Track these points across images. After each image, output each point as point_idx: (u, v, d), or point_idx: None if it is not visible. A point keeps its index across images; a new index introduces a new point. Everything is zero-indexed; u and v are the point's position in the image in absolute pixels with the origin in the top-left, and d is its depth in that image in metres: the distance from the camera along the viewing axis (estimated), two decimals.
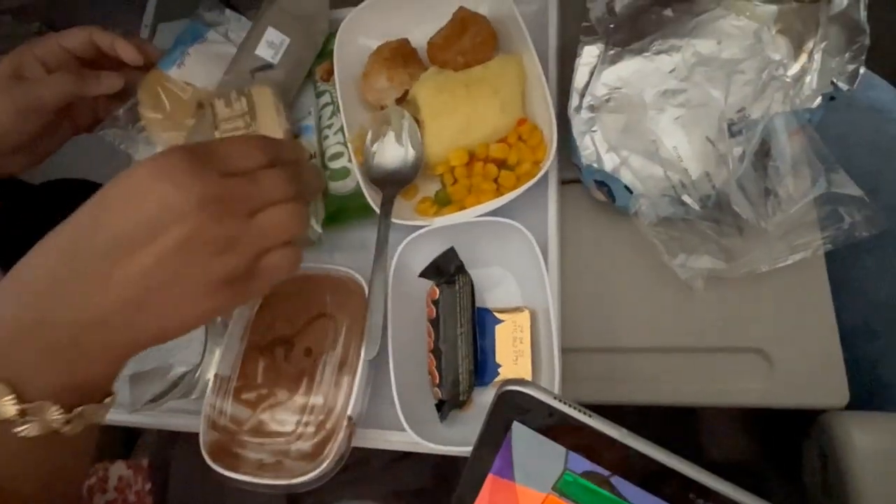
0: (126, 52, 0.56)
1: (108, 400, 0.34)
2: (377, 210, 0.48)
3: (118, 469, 0.56)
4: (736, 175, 0.42)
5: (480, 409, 0.45)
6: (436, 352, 0.46)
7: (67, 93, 0.55)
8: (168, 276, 0.30)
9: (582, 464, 0.29)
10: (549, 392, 0.29)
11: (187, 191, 0.29)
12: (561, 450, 0.29)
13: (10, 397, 0.29)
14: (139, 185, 0.30)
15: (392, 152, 0.49)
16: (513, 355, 0.45)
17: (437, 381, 0.45)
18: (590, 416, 0.29)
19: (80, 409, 0.31)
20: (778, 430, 0.53)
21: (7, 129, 0.54)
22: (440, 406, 0.45)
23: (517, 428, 0.30)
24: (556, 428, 0.29)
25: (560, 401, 0.29)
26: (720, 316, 0.45)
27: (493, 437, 0.31)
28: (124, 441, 0.64)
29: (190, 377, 0.45)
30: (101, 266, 0.29)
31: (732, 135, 0.43)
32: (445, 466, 0.52)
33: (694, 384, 0.45)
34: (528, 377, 0.44)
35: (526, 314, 0.45)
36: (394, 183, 0.49)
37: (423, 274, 0.46)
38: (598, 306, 0.47)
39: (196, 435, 0.45)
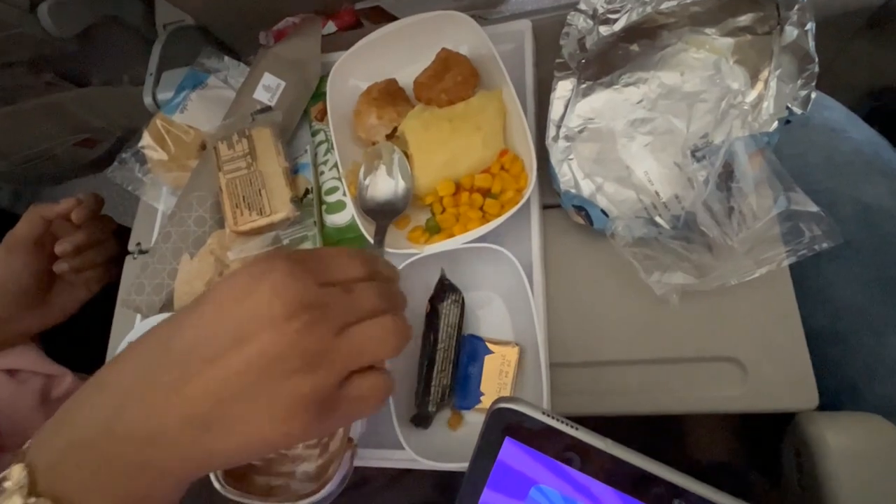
0: (75, 215, 0.60)
1: None
2: (371, 240, 0.48)
3: None
4: (702, 197, 0.43)
5: (473, 427, 0.46)
6: (419, 363, 0.46)
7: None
8: (244, 388, 0.25)
9: (572, 475, 0.29)
10: (537, 408, 0.30)
11: (282, 295, 0.26)
12: (552, 462, 0.30)
13: None
14: (237, 287, 0.27)
15: (384, 185, 0.50)
16: (496, 387, 0.45)
17: (415, 390, 0.45)
18: (577, 428, 0.29)
19: None
20: (757, 431, 0.53)
21: (29, 287, 0.59)
22: (413, 416, 0.45)
23: (509, 443, 0.30)
24: (546, 441, 0.30)
25: (548, 415, 0.29)
26: (695, 328, 0.45)
27: (488, 451, 0.31)
28: None
29: None
30: (175, 374, 0.25)
31: (697, 159, 0.44)
32: (446, 480, 0.52)
33: (674, 393, 0.45)
34: None
35: (515, 350, 0.45)
36: (386, 213, 0.50)
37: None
38: (581, 323, 0.48)
39: None
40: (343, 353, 0.27)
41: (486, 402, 0.45)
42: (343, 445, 0.43)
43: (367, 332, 0.28)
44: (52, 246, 0.59)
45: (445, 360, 0.45)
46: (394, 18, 0.77)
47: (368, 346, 0.28)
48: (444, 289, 0.47)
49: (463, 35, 0.55)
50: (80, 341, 0.65)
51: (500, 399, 0.30)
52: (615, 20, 0.50)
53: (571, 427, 0.29)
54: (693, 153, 0.44)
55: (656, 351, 0.46)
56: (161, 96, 0.66)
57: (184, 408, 0.25)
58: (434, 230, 0.50)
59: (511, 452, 0.30)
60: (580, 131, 0.48)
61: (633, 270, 0.45)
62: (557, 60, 0.50)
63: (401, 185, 0.50)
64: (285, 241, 0.51)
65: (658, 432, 0.60)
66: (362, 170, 0.51)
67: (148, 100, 0.66)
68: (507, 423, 0.30)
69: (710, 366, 0.45)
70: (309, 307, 0.26)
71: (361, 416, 0.31)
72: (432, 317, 0.46)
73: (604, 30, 0.50)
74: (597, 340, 0.47)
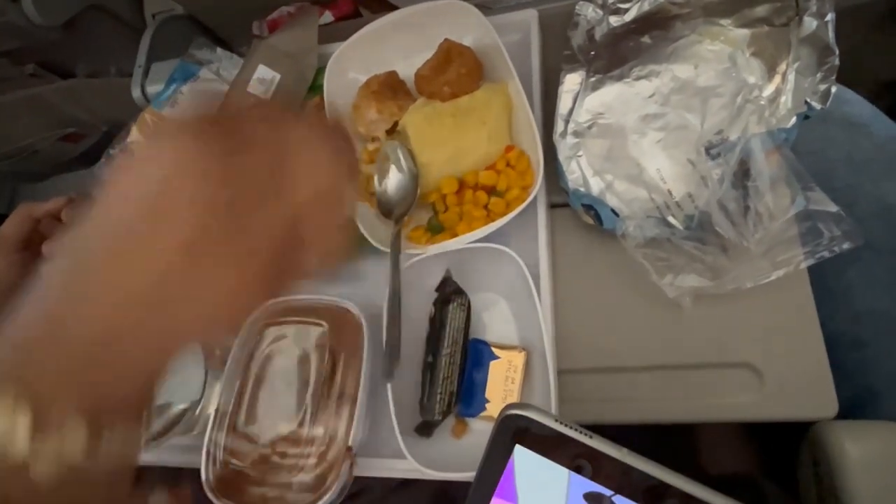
0: (66, 214, 0.59)
1: (138, 432, 0.26)
2: (374, 242, 0.48)
3: (159, 501, 0.52)
4: (716, 196, 0.43)
5: (477, 435, 0.46)
6: (423, 369, 0.46)
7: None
8: (178, 271, 0.25)
9: (584, 484, 0.30)
10: (550, 415, 0.30)
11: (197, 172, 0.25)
12: (563, 471, 0.30)
13: (24, 418, 0.22)
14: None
15: (397, 182, 0.51)
16: (502, 393, 0.45)
17: (419, 397, 0.46)
18: (590, 436, 0.29)
19: (107, 434, 0.24)
20: (774, 441, 0.54)
21: (14, 288, 0.58)
22: (418, 425, 0.45)
23: (519, 451, 0.31)
24: (558, 450, 0.30)
25: (561, 423, 0.29)
26: (709, 333, 0.46)
27: (496, 461, 0.31)
28: None
29: (191, 413, 0.45)
30: (132, 239, 0.25)
31: (712, 157, 0.44)
32: (447, 492, 0.52)
33: (686, 401, 0.45)
34: None
35: (522, 355, 0.46)
36: (400, 207, 0.50)
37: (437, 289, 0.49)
38: (590, 327, 0.48)
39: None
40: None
41: (492, 409, 0.45)
42: (342, 454, 0.43)
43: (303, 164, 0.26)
44: (39, 246, 0.59)
45: (451, 367, 0.45)
46: (393, 8, 0.76)
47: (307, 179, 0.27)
48: (450, 291, 0.47)
49: (466, 25, 0.55)
50: None
51: (511, 405, 0.31)
52: (626, 10, 0.50)
53: (585, 435, 0.29)
54: (707, 150, 0.45)
55: (668, 356, 0.46)
56: (150, 89, 0.66)
57: (151, 264, 0.25)
58: (436, 230, 0.51)
59: (521, 460, 0.31)
60: (589, 127, 0.48)
61: (644, 272, 0.46)
62: (565, 52, 0.50)
63: (411, 171, 0.50)
64: None
65: (667, 440, 0.60)
66: (375, 178, 0.52)
67: (136, 93, 0.67)
68: (517, 431, 0.30)
69: (724, 372, 0.45)
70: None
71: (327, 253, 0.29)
72: (437, 321, 0.46)
73: (614, 20, 0.51)
74: (606, 345, 0.47)
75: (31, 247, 0.60)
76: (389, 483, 0.49)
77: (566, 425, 0.29)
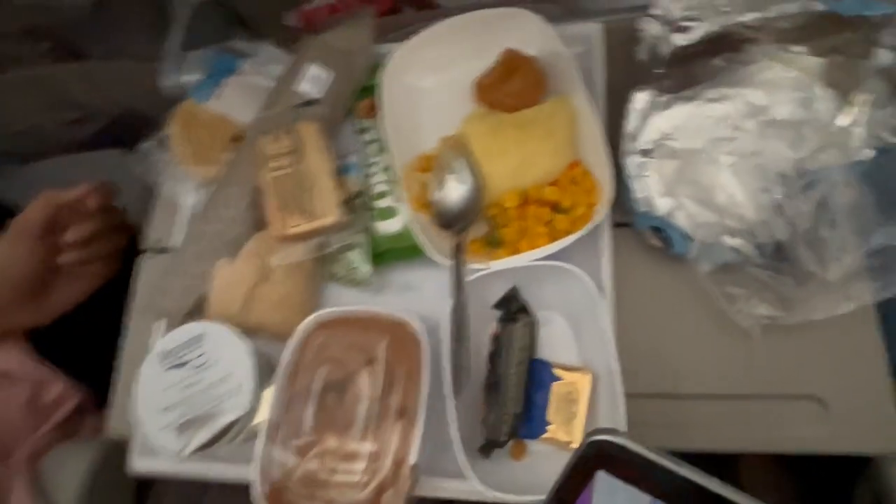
0: (90, 200, 0.62)
1: None
2: (435, 256, 0.51)
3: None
4: (791, 225, 0.46)
5: (537, 458, 0.48)
6: (486, 387, 0.49)
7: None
8: None
9: None
10: (640, 443, 0.32)
11: None
12: (646, 498, 0.32)
13: None
14: None
15: (457, 193, 0.53)
16: (565, 416, 0.47)
17: (482, 417, 0.48)
18: (682, 465, 0.31)
19: None
20: (826, 474, 0.57)
21: (32, 275, 0.61)
22: (483, 445, 0.47)
23: (601, 477, 0.33)
24: (644, 477, 0.32)
25: (652, 450, 0.32)
26: (776, 363, 0.49)
27: (573, 486, 0.33)
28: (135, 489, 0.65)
29: (243, 422, 0.47)
30: None
31: (786, 186, 0.47)
32: None
33: (748, 431, 0.48)
34: (578, 441, 0.46)
35: (587, 378, 0.48)
36: (462, 220, 0.52)
37: (496, 306, 0.51)
38: (653, 352, 0.50)
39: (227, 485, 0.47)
40: None
41: (554, 432, 0.47)
42: (399, 473, 0.45)
43: None
44: (58, 234, 0.61)
45: (517, 387, 0.47)
46: (435, 6, 0.80)
47: None
48: (517, 309, 0.49)
49: (530, 35, 0.57)
50: (70, 341, 0.66)
51: (598, 430, 0.33)
52: (690, 28, 0.53)
53: (678, 465, 0.31)
54: (782, 178, 0.47)
55: (732, 385, 0.49)
56: (185, 80, 0.67)
57: None
58: (495, 244, 0.53)
59: (602, 486, 0.33)
60: (658, 147, 0.51)
61: (709, 299, 0.49)
62: (633, 70, 0.53)
63: (474, 185, 0.52)
64: (331, 249, 0.54)
65: (706, 469, 0.62)
66: (434, 186, 0.53)
67: (169, 82, 0.68)
68: (602, 456, 0.32)
69: (789, 404, 0.48)
70: None
71: None
72: (502, 339, 0.49)
73: (679, 38, 0.53)
74: (669, 371, 0.50)
75: (52, 234, 0.61)
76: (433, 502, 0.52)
77: (657, 453, 0.32)
